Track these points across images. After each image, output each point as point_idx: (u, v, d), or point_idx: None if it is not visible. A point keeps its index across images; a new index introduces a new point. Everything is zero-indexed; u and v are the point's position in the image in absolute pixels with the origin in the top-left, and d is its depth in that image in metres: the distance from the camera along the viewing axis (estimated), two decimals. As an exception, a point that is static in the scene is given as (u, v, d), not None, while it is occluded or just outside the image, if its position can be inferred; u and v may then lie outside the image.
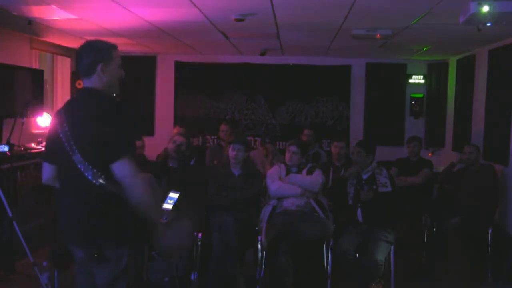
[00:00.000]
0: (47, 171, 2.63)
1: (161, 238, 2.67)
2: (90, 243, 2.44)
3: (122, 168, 2.34)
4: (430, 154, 7.86)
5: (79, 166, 2.36)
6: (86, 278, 2.59)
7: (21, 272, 4.70)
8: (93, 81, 2.49)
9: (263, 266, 4.35)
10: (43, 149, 2.71)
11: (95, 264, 2.47)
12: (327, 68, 8.18)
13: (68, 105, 2.57)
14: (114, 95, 2.60)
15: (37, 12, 4.83)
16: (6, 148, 5.10)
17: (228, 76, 8.34)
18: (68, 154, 2.39)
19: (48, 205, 5.54)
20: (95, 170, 2.35)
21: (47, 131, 2.72)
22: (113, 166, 2.34)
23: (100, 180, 2.35)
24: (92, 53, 2.49)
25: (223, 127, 6.76)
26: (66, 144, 2.40)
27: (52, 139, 2.52)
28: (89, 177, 2.35)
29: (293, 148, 4.73)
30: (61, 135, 2.43)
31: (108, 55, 2.50)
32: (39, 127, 6.55)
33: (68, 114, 2.48)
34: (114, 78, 2.54)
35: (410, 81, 8.24)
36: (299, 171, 4.73)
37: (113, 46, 2.53)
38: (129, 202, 2.39)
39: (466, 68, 6.98)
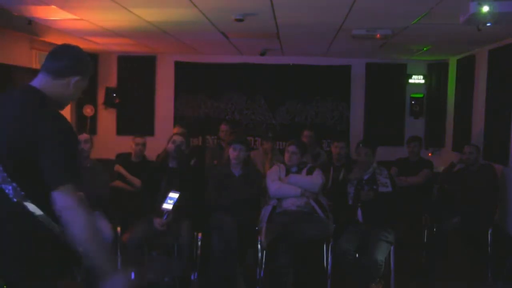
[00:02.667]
0: None
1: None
2: (8, 271, 2.00)
3: (60, 198, 1.93)
4: (430, 154, 7.85)
5: None
6: None
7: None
8: (51, 83, 2.11)
9: (263, 266, 4.35)
10: None
11: None
12: (327, 68, 8.18)
13: (3, 102, 2.11)
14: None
15: (37, 12, 4.83)
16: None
17: (228, 76, 8.33)
18: None
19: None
20: (15, 185, 1.95)
21: None
22: (52, 194, 1.93)
23: (19, 198, 1.95)
24: (75, 61, 2.17)
25: (223, 127, 6.76)
26: None
27: None
28: (7, 191, 1.95)
29: (292, 148, 4.73)
30: None
31: (87, 72, 2.22)
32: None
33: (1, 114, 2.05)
34: (77, 92, 2.21)
35: (410, 81, 8.24)
36: (298, 171, 4.72)
37: (90, 62, 2.27)
38: (54, 233, 1.99)
39: (466, 68, 6.98)
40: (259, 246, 4.38)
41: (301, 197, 4.56)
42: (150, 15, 4.90)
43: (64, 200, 1.93)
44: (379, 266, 4.15)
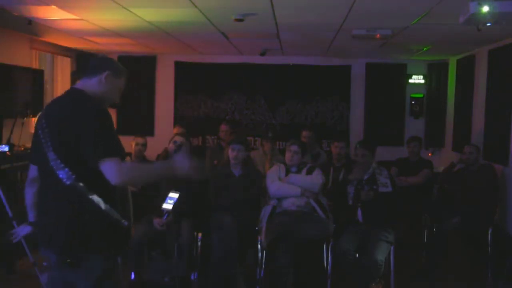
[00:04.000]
0: (32, 172, 2.59)
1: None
2: (63, 247, 2.35)
3: (106, 170, 2.25)
4: (430, 154, 7.86)
5: (51, 164, 2.31)
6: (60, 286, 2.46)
7: (21, 272, 4.71)
8: (89, 84, 2.48)
9: (263, 266, 4.35)
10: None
11: (68, 270, 2.36)
12: (327, 68, 8.18)
13: (52, 103, 2.55)
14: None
15: (37, 12, 4.83)
16: (6, 148, 5.11)
17: (228, 76, 8.34)
18: (45, 151, 2.35)
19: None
20: (67, 170, 2.29)
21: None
22: (100, 167, 2.25)
23: (72, 181, 2.28)
24: (101, 60, 2.57)
25: (223, 127, 6.77)
26: (43, 141, 2.36)
27: (34, 138, 2.49)
28: (61, 176, 2.29)
29: (294, 147, 4.71)
30: (39, 132, 2.39)
31: (118, 72, 2.54)
32: (39, 127, 6.54)
33: (49, 112, 2.44)
34: (114, 89, 2.53)
35: (410, 81, 8.24)
36: (298, 171, 4.72)
37: (125, 71, 2.58)
38: (103, 208, 2.31)
39: (466, 68, 6.98)
40: (259, 246, 4.38)
41: (301, 197, 4.55)
42: (150, 15, 4.90)
43: (110, 170, 2.24)
44: (379, 266, 4.15)
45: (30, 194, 2.62)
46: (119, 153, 2.33)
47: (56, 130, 2.34)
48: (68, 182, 2.29)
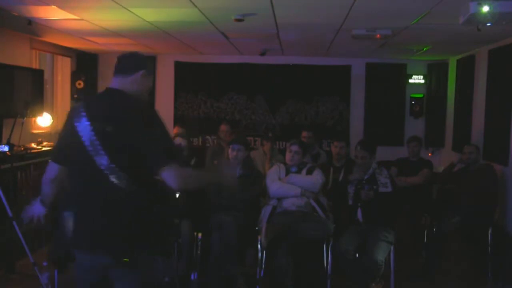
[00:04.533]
0: (52, 171, 2.50)
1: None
2: (122, 249, 2.34)
3: (169, 175, 2.29)
4: (430, 154, 7.86)
5: (102, 168, 2.27)
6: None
7: (21, 272, 4.70)
8: (125, 82, 2.45)
9: (263, 266, 4.35)
10: (53, 147, 2.67)
11: (126, 270, 2.37)
12: (327, 68, 8.18)
13: (94, 104, 2.47)
14: None
15: (37, 12, 4.82)
16: (6, 148, 5.10)
17: (228, 76, 8.34)
18: (89, 155, 2.28)
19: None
20: (123, 174, 2.27)
21: (60, 129, 2.57)
22: (163, 175, 2.29)
23: (127, 184, 2.27)
24: (139, 58, 2.53)
25: (223, 127, 6.76)
26: (88, 144, 2.29)
27: (68, 138, 2.41)
28: (115, 180, 2.27)
29: (295, 147, 4.71)
30: (82, 135, 2.31)
31: (151, 70, 2.55)
32: (39, 127, 6.55)
33: (95, 114, 2.35)
34: (146, 88, 2.53)
35: (410, 81, 8.24)
36: (298, 171, 4.72)
37: (152, 69, 2.61)
38: (156, 207, 2.37)
39: (466, 68, 6.98)
40: (259, 246, 4.38)
41: (301, 197, 4.55)
42: (150, 15, 4.90)
43: (173, 176, 2.29)
44: (379, 266, 4.15)
45: (48, 192, 2.55)
46: (178, 157, 2.41)
47: (110, 135, 2.29)
48: (123, 186, 2.27)
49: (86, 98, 2.63)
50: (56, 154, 2.55)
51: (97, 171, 2.27)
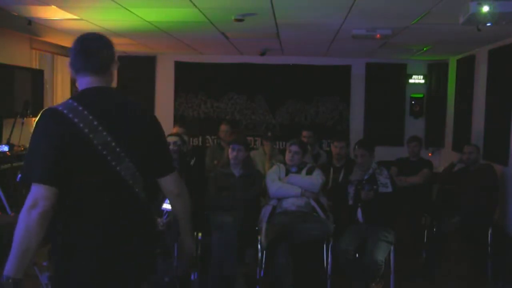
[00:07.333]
0: (47, 199, 1.82)
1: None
2: (144, 262, 2.11)
3: (174, 180, 2.19)
4: (430, 154, 7.86)
5: (127, 178, 1.95)
6: None
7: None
8: (105, 81, 2.05)
9: (263, 266, 4.34)
10: (31, 166, 1.89)
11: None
12: (327, 68, 8.19)
13: (96, 103, 1.97)
14: None
15: (37, 12, 4.83)
16: (6, 148, 5.11)
17: (228, 76, 8.35)
18: (109, 165, 1.91)
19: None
20: (144, 184, 2.03)
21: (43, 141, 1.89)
22: (166, 179, 2.15)
23: (143, 194, 2.04)
24: (111, 48, 2.06)
25: (223, 127, 6.76)
26: (104, 152, 1.90)
27: (61, 149, 1.87)
28: (138, 189, 1.99)
29: (295, 147, 4.70)
30: (94, 142, 1.89)
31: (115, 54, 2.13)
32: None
33: (105, 117, 1.94)
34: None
35: (410, 81, 8.25)
36: (298, 171, 4.71)
37: None
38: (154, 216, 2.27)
39: (466, 68, 6.98)
40: (259, 246, 4.38)
41: (301, 197, 4.55)
42: (150, 15, 4.90)
43: (175, 184, 2.19)
44: (379, 266, 4.14)
45: (39, 234, 1.90)
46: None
47: (128, 140, 1.97)
48: (142, 195, 2.03)
49: (78, 97, 1.99)
50: (46, 172, 1.84)
51: (116, 181, 1.93)
